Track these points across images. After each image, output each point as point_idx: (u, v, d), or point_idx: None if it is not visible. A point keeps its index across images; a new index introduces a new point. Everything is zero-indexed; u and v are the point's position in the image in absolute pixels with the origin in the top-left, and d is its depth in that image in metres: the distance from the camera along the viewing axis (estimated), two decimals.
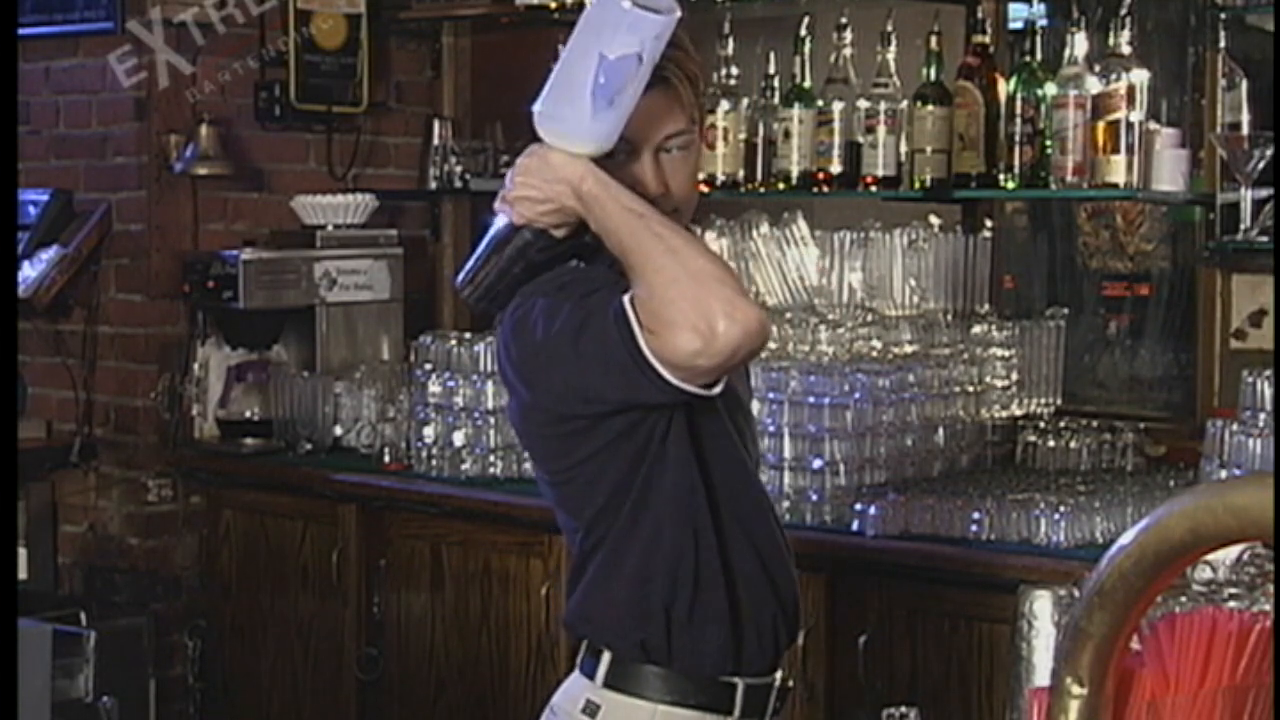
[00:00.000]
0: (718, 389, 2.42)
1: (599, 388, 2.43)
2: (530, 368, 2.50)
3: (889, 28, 4.35)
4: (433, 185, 5.48)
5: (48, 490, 5.25)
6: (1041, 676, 1.88)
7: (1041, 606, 1.93)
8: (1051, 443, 4.24)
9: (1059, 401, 4.48)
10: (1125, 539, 1.28)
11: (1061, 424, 4.31)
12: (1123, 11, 4.03)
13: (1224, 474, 3.54)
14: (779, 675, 2.65)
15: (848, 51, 4.39)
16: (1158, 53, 4.39)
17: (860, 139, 4.37)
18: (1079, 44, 4.07)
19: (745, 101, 4.53)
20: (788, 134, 4.43)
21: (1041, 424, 4.34)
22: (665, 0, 2.41)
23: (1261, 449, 3.47)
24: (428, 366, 4.64)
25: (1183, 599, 2.04)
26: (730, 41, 4.55)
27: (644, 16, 2.39)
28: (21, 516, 4.92)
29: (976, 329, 4.39)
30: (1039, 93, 4.13)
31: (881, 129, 4.33)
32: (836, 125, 4.36)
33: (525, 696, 4.32)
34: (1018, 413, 4.42)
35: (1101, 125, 4.02)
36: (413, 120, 5.66)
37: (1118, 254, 4.72)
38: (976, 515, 3.80)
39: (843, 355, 4.19)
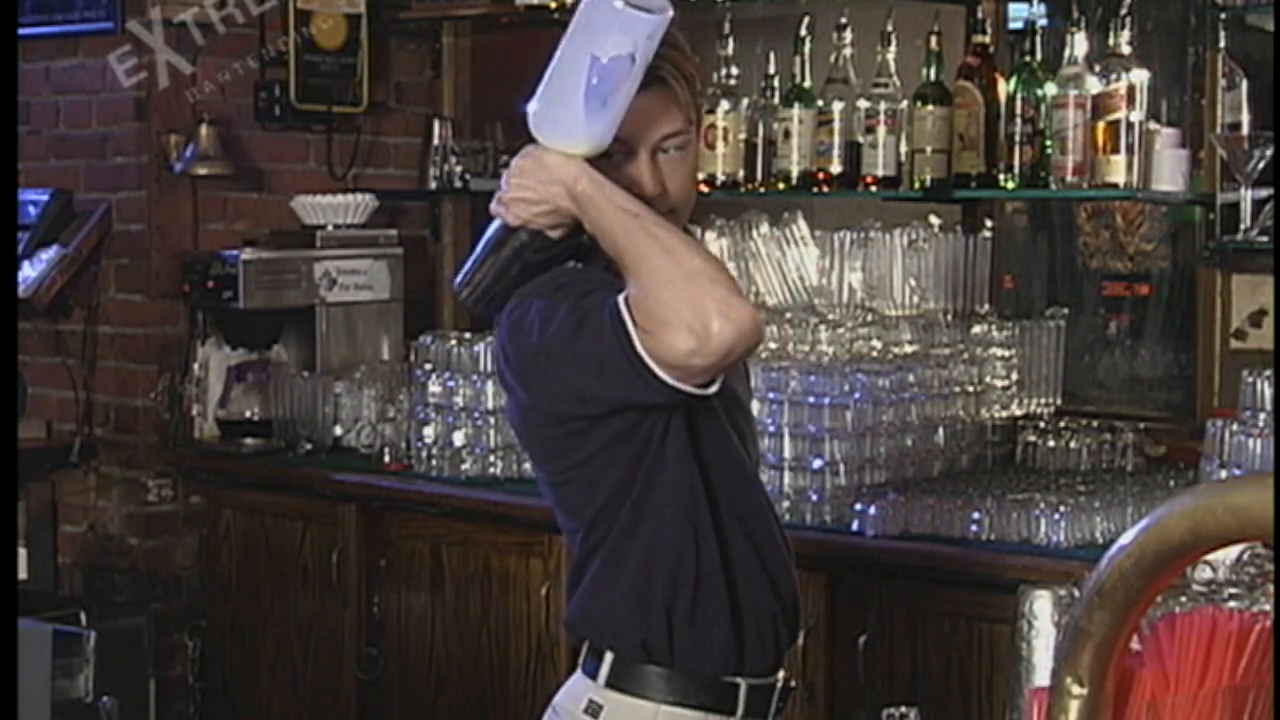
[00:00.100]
0: (714, 388, 2.42)
1: (595, 389, 2.43)
2: (527, 369, 2.50)
3: (889, 28, 4.35)
4: (433, 185, 5.48)
5: (48, 490, 5.25)
6: (1041, 676, 1.88)
7: (1041, 606, 1.93)
8: (1051, 443, 4.24)
9: (1059, 401, 4.48)
10: (1125, 539, 1.28)
11: (1061, 424, 4.31)
12: (1123, 11, 4.03)
13: (1224, 474, 3.54)
14: (781, 675, 2.65)
15: (848, 51, 4.39)
16: (1158, 53, 4.40)
17: (860, 139, 4.37)
18: (1079, 44, 4.07)
19: (745, 101, 4.53)
20: (788, 134, 4.43)
21: (1041, 424, 4.34)
22: (658, 0, 2.41)
23: (1261, 449, 3.47)
24: (428, 366, 4.64)
25: (1183, 599, 2.04)
26: (730, 41, 4.55)
27: (636, 16, 2.38)
28: (21, 516, 4.92)
29: (976, 329, 4.39)
30: (1039, 93, 4.13)
31: (881, 129, 4.33)
32: (836, 125, 4.36)
33: (525, 696, 4.32)
34: (1018, 413, 4.42)
35: (1101, 125, 4.02)
36: (413, 120, 5.66)
37: (1118, 254, 4.72)
38: (976, 515, 3.80)
39: (843, 355, 4.19)
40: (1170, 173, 4.08)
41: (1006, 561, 3.65)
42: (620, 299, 2.37)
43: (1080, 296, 4.75)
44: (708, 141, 4.45)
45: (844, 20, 4.38)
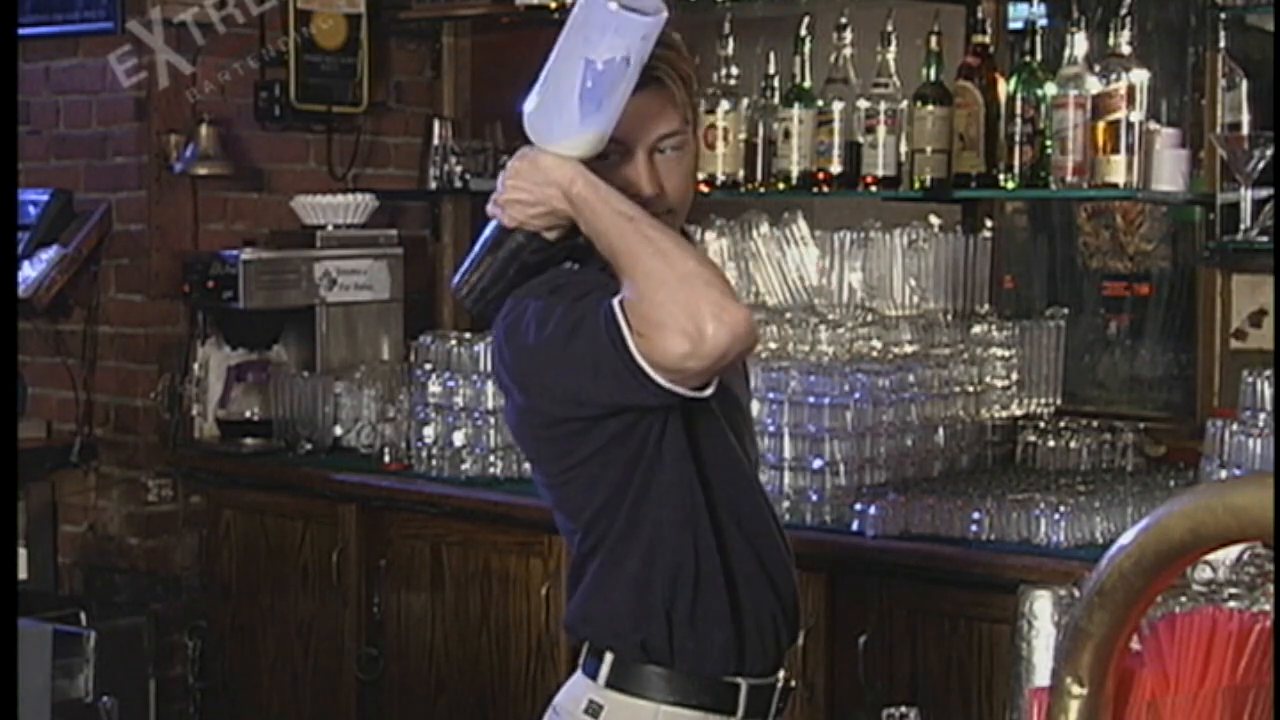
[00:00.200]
0: (709, 391, 2.41)
1: (591, 391, 2.43)
2: (523, 371, 2.51)
3: (889, 28, 4.35)
4: (433, 185, 5.48)
5: (48, 490, 5.25)
6: (1041, 676, 1.88)
7: (1041, 606, 1.93)
8: (1051, 443, 4.24)
9: (1059, 401, 4.48)
10: (1125, 539, 1.28)
11: (1061, 424, 4.31)
12: (1123, 11, 4.03)
13: (1224, 474, 3.53)
14: (782, 675, 2.65)
15: (848, 51, 4.39)
16: (1158, 53, 4.40)
17: (860, 139, 4.37)
18: (1079, 44, 4.07)
19: (745, 101, 4.53)
20: (788, 134, 4.43)
21: (1041, 424, 4.34)
22: (652, 1, 2.40)
23: (1261, 449, 3.47)
24: (428, 366, 4.64)
25: (1183, 599, 2.04)
26: (730, 41, 4.55)
27: (630, 19, 2.38)
28: (21, 516, 4.92)
29: (976, 329, 4.39)
30: (1039, 93, 4.13)
31: (881, 129, 4.33)
32: (836, 125, 4.36)
33: (525, 696, 4.32)
34: (1018, 413, 4.42)
35: (1101, 125, 4.02)
36: (413, 120, 5.66)
37: (1118, 254, 4.72)
38: (976, 515, 3.80)
39: (843, 355, 4.19)
40: (1170, 173, 4.08)
41: (1006, 561, 3.65)
42: (615, 302, 2.37)
43: (1080, 296, 4.76)
44: (708, 141, 4.45)
45: (844, 20, 4.38)
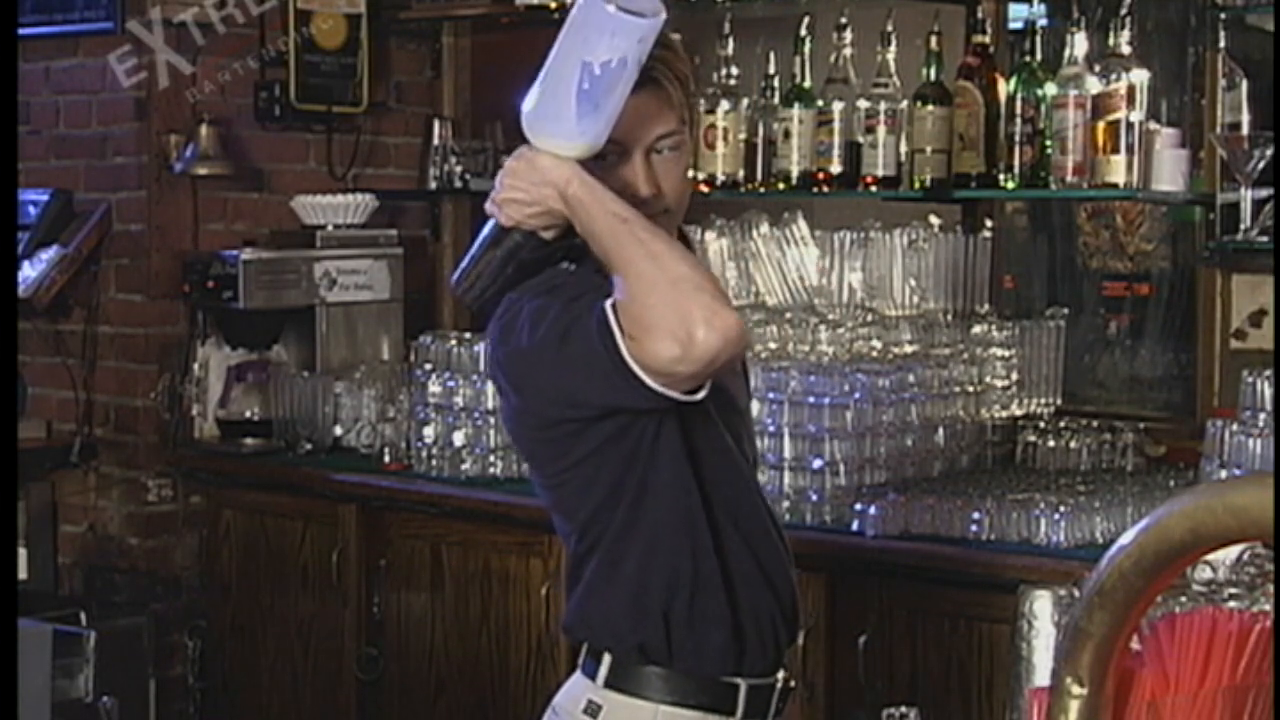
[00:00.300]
0: (701, 394, 2.41)
1: (584, 393, 2.43)
2: (518, 372, 2.51)
3: (889, 28, 4.35)
4: (433, 185, 5.48)
5: (48, 490, 5.25)
6: (1041, 676, 1.88)
7: (1041, 606, 1.93)
8: (1051, 443, 4.24)
9: (1059, 401, 4.48)
10: (1125, 539, 1.28)
11: (1061, 424, 4.31)
12: (1123, 11, 4.03)
13: (1224, 474, 3.53)
14: (781, 675, 2.65)
15: (848, 51, 4.39)
16: (1158, 53, 4.40)
17: (860, 139, 4.37)
18: (1079, 44, 4.07)
19: (745, 101, 4.53)
20: (788, 134, 4.43)
21: (1041, 424, 4.34)
22: (650, 3, 2.40)
23: (1261, 449, 3.47)
24: (428, 366, 4.64)
25: (1183, 599, 2.04)
26: (730, 41, 4.55)
27: (628, 20, 2.38)
28: (21, 516, 4.92)
29: (976, 329, 4.39)
30: (1039, 93, 4.13)
31: (881, 129, 4.33)
32: (836, 125, 4.36)
33: (525, 697, 4.32)
34: (1018, 413, 4.42)
35: (1101, 125, 4.02)
36: (413, 120, 5.66)
37: (1118, 254, 4.72)
38: (976, 515, 3.80)
39: (843, 355, 4.19)
40: (1170, 173, 4.08)
41: (1006, 561, 3.65)
42: (608, 304, 2.37)
43: (1080, 296, 4.75)
44: (708, 141, 4.45)
45: (844, 20, 4.38)
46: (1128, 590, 1.28)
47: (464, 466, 4.57)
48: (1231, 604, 2.04)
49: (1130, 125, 4.01)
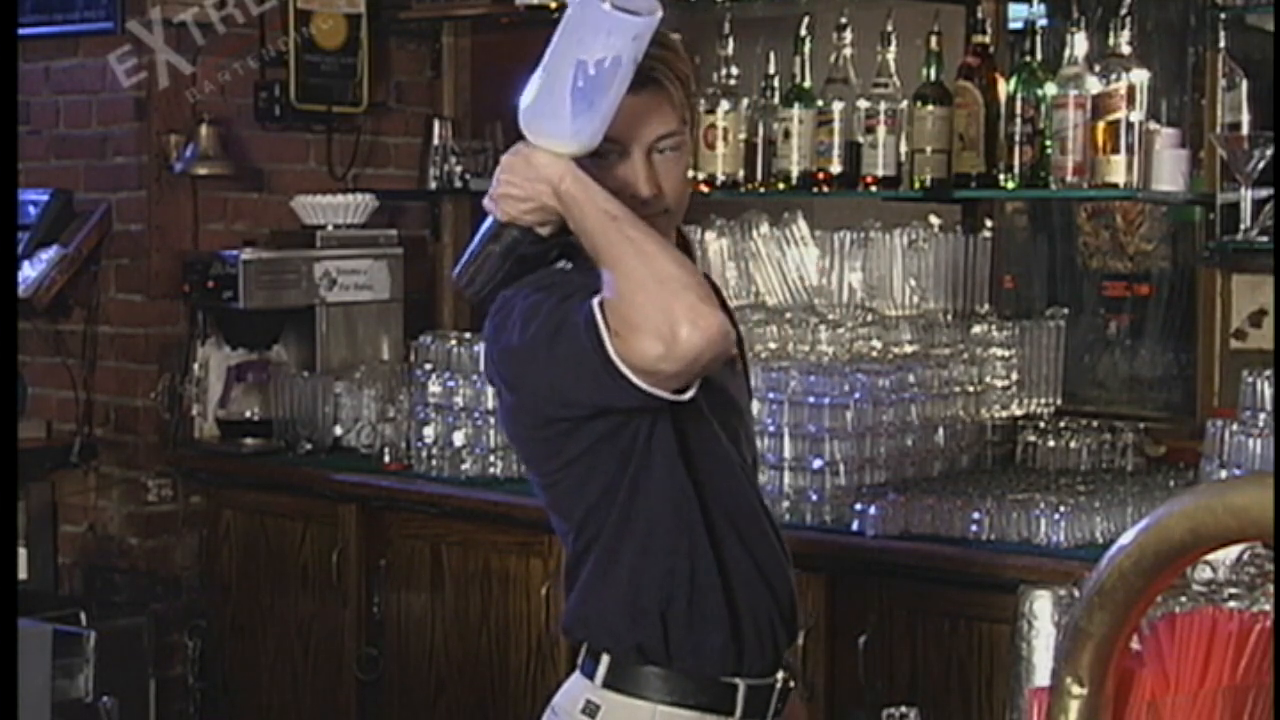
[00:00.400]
0: (690, 394, 2.41)
1: (573, 391, 2.43)
2: (510, 370, 2.52)
3: (889, 28, 4.35)
4: (433, 185, 5.48)
5: (48, 490, 5.24)
6: (1041, 676, 1.88)
7: (1041, 606, 1.93)
8: (1051, 443, 4.24)
9: (1059, 401, 4.48)
10: (1125, 539, 1.28)
11: (1061, 424, 4.31)
12: (1123, 11, 4.03)
13: (1224, 474, 3.53)
14: (780, 676, 2.65)
15: (848, 51, 4.39)
16: (1158, 53, 4.39)
17: (860, 139, 4.37)
18: (1079, 44, 4.07)
19: (745, 101, 4.53)
20: (788, 134, 4.43)
21: (1041, 424, 4.34)
22: (646, 2, 2.41)
23: (1261, 449, 3.47)
24: (428, 366, 4.64)
25: (1183, 599, 2.04)
26: (730, 41, 4.55)
27: (623, 19, 2.39)
28: (21, 516, 4.92)
29: (976, 329, 4.39)
30: (1039, 93, 4.13)
31: (881, 129, 4.33)
32: (836, 125, 4.36)
33: (525, 696, 4.32)
34: (1018, 413, 4.42)
35: (1101, 125, 4.02)
36: (413, 120, 5.66)
37: (1118, 254, 4.72)
38: (976, 515, 3.80)
39: (843, 355, 4.19)
40: (1170, 173, 4.08)
41: (1006, 561, 3.65)
42: (595, 302, 2.37)
43: (1080, 296, 4.75)
44: (708, 141, 4.45)
45: (844, 20, 4.38)
46: (1128, 590, 1.28)
47: (464, 466, 4.57)
48: (1231, 604, 2.04)
49: (1130, 125, 4.01)
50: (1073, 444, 4.22)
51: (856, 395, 4.00)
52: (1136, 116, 4.02)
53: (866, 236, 4.46)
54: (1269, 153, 3.85)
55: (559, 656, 4.21)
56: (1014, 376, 4.39)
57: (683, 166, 2.61)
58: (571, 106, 2.42)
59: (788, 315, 4.34)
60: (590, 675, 2.59)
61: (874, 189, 4.38)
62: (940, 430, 4.21)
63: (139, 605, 4.96)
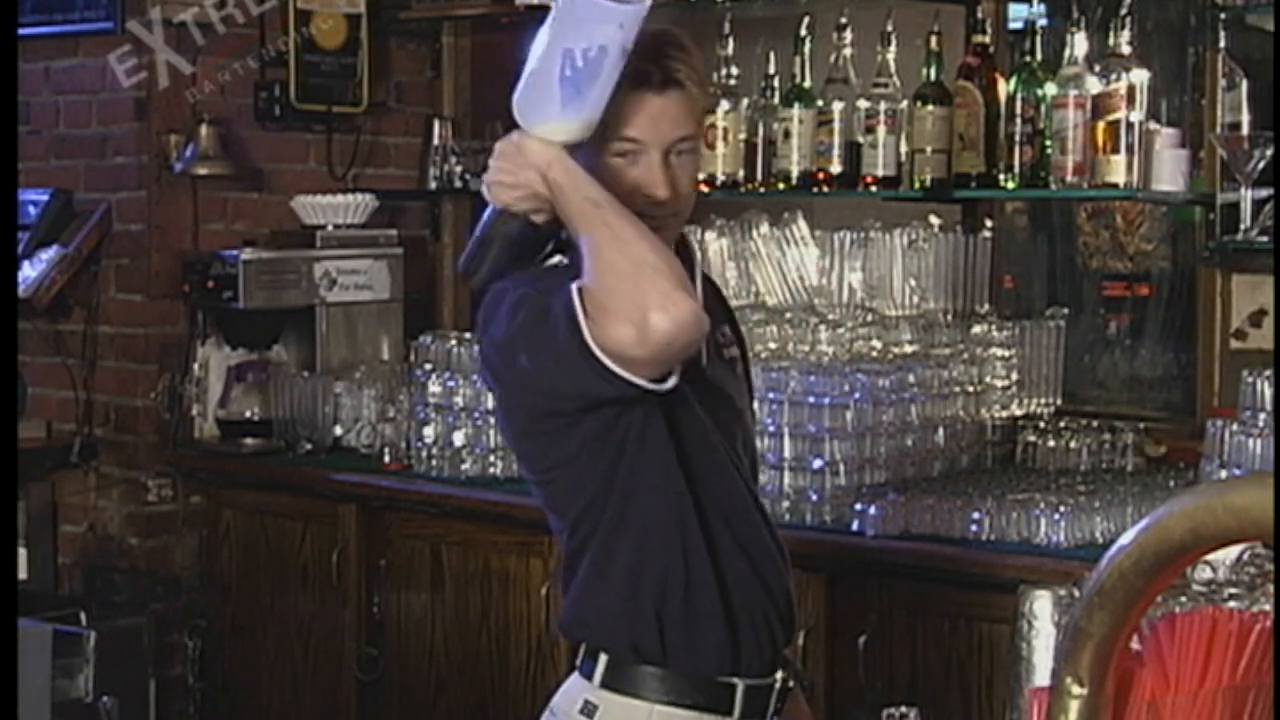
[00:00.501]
0: (670, 384, 2.42)
1: (554, 378, 2.44)
2: (498, 360, 2.54)
3: (889, 28, 4.35)
4: (433, 185, 5.48)
5: (48, 490, 5.24)
6: (1041, 676, 1.88)
7: (1041, 606, 1.93)
8: (1051, 443, 4.24)
9: (1059, 401, 4.48)
10: (1125, 539, 1.28)
11: (1061, 424, 4.31)
12: (1123, 11, 4.03)
13: (1224, 474, 3.53)
14: (779, 676, 2.65)
15: (848, 51, 4.39)
16: (1158, 53, 4.39)
17: (860, 139, 4.37)
18: (1079, 44, 4.07)
19: (745, 101, 4.53)
20: (788, 134, 4.43)
21: (1041, 424, 4.34)
22: None
23: (1261, 449, 3.47)
24: (428, 366, 4.64)
25: (1183, 599, 2.04)
26: (730, 41, 4.55)
27: (610, 8, 2.43)
28: (21, 516, 4.92)
29: (976, 329, 4.39)
30: (1039, 93, 4.13)
31: (881, 129, 4.33)
32: (836, 125, 4.36)
33: (525, 696, 4.32)
34: (1018, 413, 4.42)
35: (1101, 125, 4.02)
36: (413, 120, 5.66)
37: (1118, 254, 4.72)
38: (976, 515, 3.80)
39: (843, 355, 4.19)
40: (1170, 173, 4.08)
41: (1006, 561, 3.65)
42: (574, 287, 2.39)
43: (1080, 296, 4.75)
44: (708, 142, 4.45)
45: (844, 20, 4.38)
46: (1128, 590, 1.28)
47: (464, 466, 4.57)
48: (1231, 604, 2.04)
49: (1130, 125, 4.01)
50: (1073, 444, 4.22)
51: (856, 395, 4.00)
52: (1136, 116, 4.02)
53: (866, 236, 4.46)
54: (1269, 153, 3.85)
55: (559, 656, 4.21)
56: (1014, 376, 4.39)
57: (694, 169, 2.65)
58: (560, 95, 2.46)
59: (788, 315, 4.34)
60: (588, 675, 2.59)
61: (874, 189, 4.38)
62: (940, 430, 4.21)
63: (139, 605, 4.96)
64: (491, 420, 4.49)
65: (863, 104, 4.36)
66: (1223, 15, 4.09)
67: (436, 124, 5.49)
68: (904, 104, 4.33)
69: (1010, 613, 1.98)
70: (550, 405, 2.50)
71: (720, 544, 2.59)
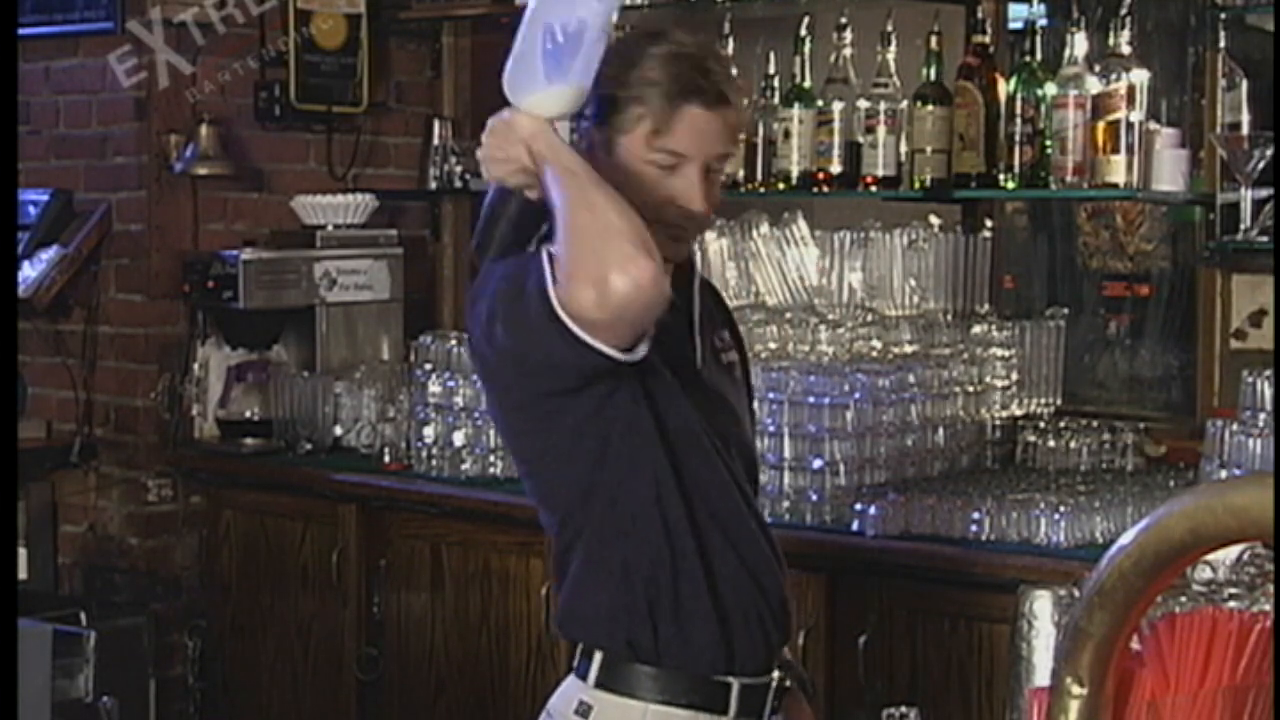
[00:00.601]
0: (639, 353, 2.42)
1: (526, 344, 2.46)
2: (480, 332, 2.55)
3: (889, 28, 4.35)
4: (433, 185, 5.48)
5: (48, 490, 5.24)
6: (1041, 676, 1.88)
7: (1041, 606, 1.93)
8: (1051, 443, 4.24)
9: (1059, 401, 4.48)
10: (1125, 539, 1.28)
11: (1061, 424, 4.31)
12: (1123, 11, 4.03)
13: (1224, 474, 3.53)
14: (776, 675, 2.65)
15: (848, 51, 4.39)
16: (1158, 53, 4.39)
17: (860, 139, 4.37)
18: (1079, 44, 4.07)
19: (745, 101, 4.52)
20: (788, 134, 4.43)
21: (1041, 424, 4.34)
22: None
23: (1261, 449, 3.47)
24: (428, 366, 4.64)
25: (1183, 599, 2.04)
26: (730, 41, 4.54)
27: None
28: (21, 516, 4.92)
29: (976, 329, 4.39)
30: (1039, 93, 4.13)
31: (881, 129, 4.33)
32: (836, 125, 4.36)
33: (525, 696, 4.32)
34: (1018, 413, 4.42)
35: (1101, 125, 4.02)
36: (413, 120, 5.66)
37: (1118, 254, 4.72)
38: (976, 515, 3.80)
39: (843, 355, 4.19)
40: (1170, 173, 4.08)
41: (1006, 561, 3.65)
42: (544, 252, 2.42)
43: (1080, 296, 4.75)
44: None
45: (844, 20, 4.38)
46: (1128, 590, 1.28)
47: (464, 466, 4.57)
48: (1231, 604, 2.04)
49: (1130, 125, 4.01)
50: (1073, 444, 4.22)
51: (856, 395, 4.00)
52: (1136, 116, 4.02)
53: (866, 236, 4.46)
54: (1269, 153, 3.85)
55: (559, 656, 4.21)
56: (1014, 376, 4.39)
57: (719, 184, 2.67)
58: (543, 69, 2.52)
59: (788, 315, 4.34)
60: (583, 676, 2.60)
61: (874, 189, 4.38)
62: (940, 430, 4.21)
63: (139, 605, 4.96)
64: (491, 420, 4.49)
65: (863, 104, 4.36)
66: (1223, 15, 4.09)
67: (436, 124, 5.49)
68: (904, 104, 4.33)
69: (1010, 613, 1.98)
70: (524, 379, 2.51)
71: (710, 542, 2.59)
